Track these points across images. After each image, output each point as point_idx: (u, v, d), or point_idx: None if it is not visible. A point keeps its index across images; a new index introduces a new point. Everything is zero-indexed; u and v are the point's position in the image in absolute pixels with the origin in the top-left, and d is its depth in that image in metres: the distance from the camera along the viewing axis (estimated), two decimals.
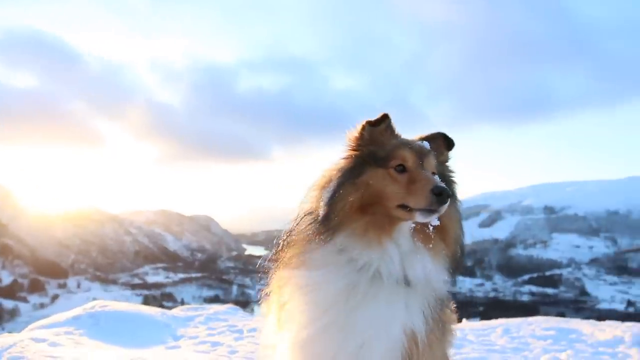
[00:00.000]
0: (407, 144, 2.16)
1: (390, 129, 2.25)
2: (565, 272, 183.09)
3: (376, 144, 2.19)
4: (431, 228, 2.04)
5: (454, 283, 2.14)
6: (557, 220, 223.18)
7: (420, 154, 2.12)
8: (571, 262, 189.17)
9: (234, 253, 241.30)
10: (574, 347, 6.07)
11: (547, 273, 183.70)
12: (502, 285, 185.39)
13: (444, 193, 1.93)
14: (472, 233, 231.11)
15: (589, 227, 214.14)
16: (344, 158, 2.22)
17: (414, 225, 2.04)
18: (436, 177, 2.06)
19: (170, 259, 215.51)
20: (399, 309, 2.04)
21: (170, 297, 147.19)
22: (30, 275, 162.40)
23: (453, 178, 2.29)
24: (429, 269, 2.02)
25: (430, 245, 2.04)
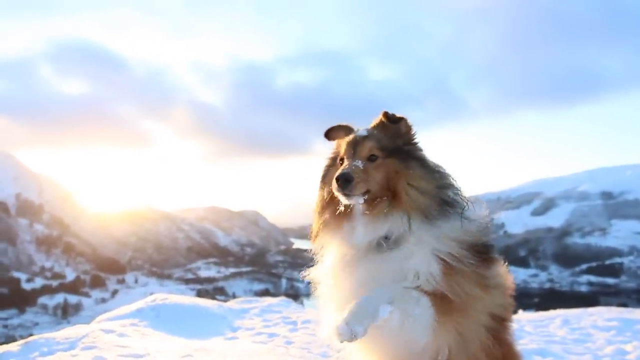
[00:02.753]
0: (347, 139, 2.52)
1: (344, 133, 2.61)
2: (626, 260, 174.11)
3: (338, 148, 2.64)
4: (384, 201, 2.34)
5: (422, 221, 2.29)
6: (616, 206, 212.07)
7: (353, 144, 2.45)
8: (633, 250, 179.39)
9: (282, 247, 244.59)
10: None
11: (607, 262, 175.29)
12: (558, 276, 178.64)
13: (339, 178, 2.27)
14: (525, 222, 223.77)
15: None
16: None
17: (361, 203, 2.35)
18: (357, 162, 2.36)
19: (221, 254, 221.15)
20: (396, 260, 2.31)
21: (222, 291, 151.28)
22: (92, 272, 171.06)
23: (411, 144, 2.51)
24: (371, 231, 2.32)
25: (367, 212, 2.34)
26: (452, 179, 2.45)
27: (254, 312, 6.52)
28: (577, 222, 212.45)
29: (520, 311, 8.37)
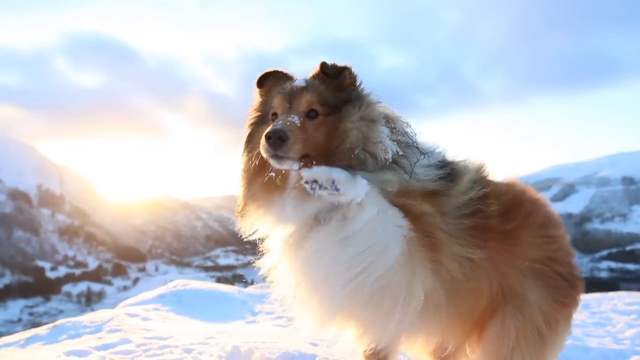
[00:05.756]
0: (280, 90, 2.06)
1: (281, 80, 2.16)
2: None
3: (267, 103, 2.15)
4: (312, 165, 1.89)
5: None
6: (637, 191, 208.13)
7: (289, 96, 2.00)
8: None
9: None
10: None
11: (628, 248, 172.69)
12: (577, 262, 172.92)
13: (271, 135, 1.82)
14: None
15: None
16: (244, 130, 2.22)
17: (297, 170, 1.93)
18: (293, 118, 1.91)
19: (239, 242, 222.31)
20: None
21: (240, 278, 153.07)
22: (113, 260, 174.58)
23: (356, 94, 2.07)
24: (300, 210, 1.94)
25: (298, 185, 1.93)
26: (406, 124, 2.10)
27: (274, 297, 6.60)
28: (597, 208, 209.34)
29: None
